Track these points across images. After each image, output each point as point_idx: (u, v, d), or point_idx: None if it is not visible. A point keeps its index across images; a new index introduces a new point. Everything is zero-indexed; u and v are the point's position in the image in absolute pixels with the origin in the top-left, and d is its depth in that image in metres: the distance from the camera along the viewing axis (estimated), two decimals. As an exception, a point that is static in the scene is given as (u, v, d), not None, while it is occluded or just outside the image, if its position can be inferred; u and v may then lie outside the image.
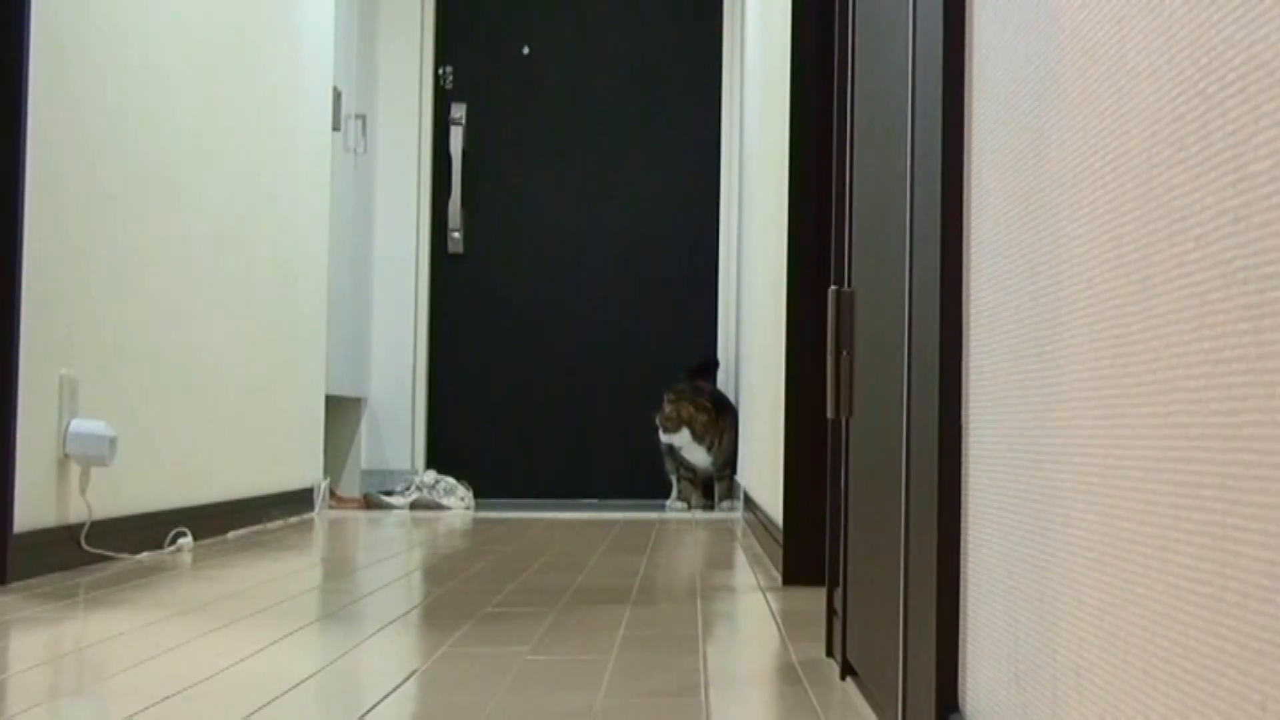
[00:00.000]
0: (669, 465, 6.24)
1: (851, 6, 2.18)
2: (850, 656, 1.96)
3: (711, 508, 6.17)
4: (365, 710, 1.76)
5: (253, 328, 4.63)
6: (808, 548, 3.14)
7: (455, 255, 6.76)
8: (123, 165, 3.61)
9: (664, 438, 6.11)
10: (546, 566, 3.52)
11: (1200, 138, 0.72)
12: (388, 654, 2.18)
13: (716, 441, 6.10)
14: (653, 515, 5.66)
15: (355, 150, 6.24)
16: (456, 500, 6.02)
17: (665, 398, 6.13)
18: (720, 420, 6.13)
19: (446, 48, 6.82)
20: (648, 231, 6.79)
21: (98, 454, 3.33)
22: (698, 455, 6.10)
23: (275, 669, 2.03)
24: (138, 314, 3.71)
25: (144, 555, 3.65)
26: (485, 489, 6.63)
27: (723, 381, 6.64)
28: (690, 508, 6.14)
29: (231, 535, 4.33)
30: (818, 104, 3.27)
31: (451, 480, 6.14)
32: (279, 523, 4.84)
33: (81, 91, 3.38)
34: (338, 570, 3.43)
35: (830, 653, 2.19)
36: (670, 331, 6.75)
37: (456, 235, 6.73)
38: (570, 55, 6.83)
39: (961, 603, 1.27)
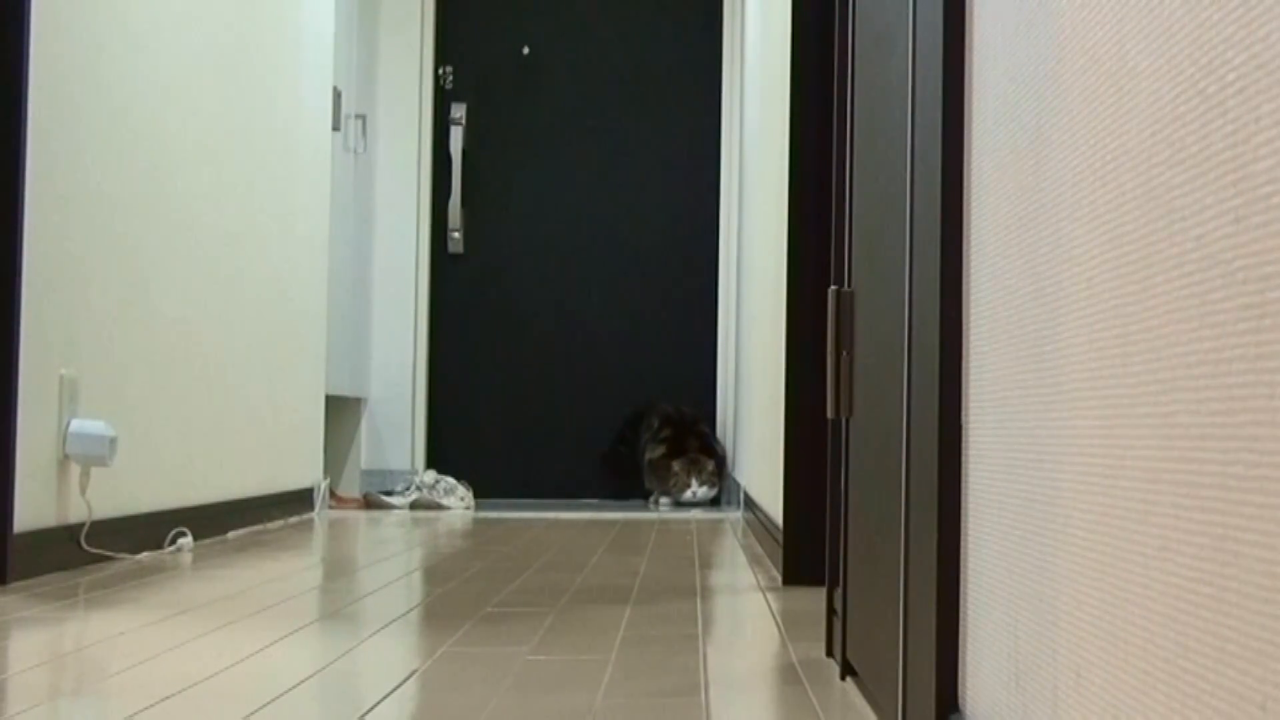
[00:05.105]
0: (650, 481, 6.34)
1: (852, 7, 2.18)
2: (850, 656, 1.96)
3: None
4: (365, 710, 1.76)
5: (253, 327, 4.63)
6: (808, 548, 3.14)
7: (455, 255, 6.76)
8: (122, 165, 3.61)
9: (678, 496, 6.21)
10: (546, 566, 3.52)
11: (1200, 138, 0.72)
12: (388, 654, 2.18)
13: (713, 472, 6.24)
14: (652, 515, 5.66)
15: (355, 150, 6.24)
16: (456, 500, 6.02)
17: (677, 463, 6.20)
18: (710, 449, 6.27)
19: (446, 48, 6.81)
20: (648, 231, 6.79)
21: (98, 454, 3.33)
22: (705, 490, 6.23)
23: (275, 669, 2.03)
24: (138, 314, 3.71)
25: (144, 555, 3.65)
26: (485, 489, 6.63)
27: (722, 382, 6.65)
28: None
29: (231, 535, 4.33)
30: (818, 104, 3.27)
31: (451, 480, 6.14)
32: (279, 523, 4.84)
33: (81, 91, 3.38)
34: (338, 570, 3.43)
35: (830, 653, 2.19)
36: (670, 331, 6.75)
37: (456, 235, 6.73)
38: (570, 55, 6.83)
39: (961, 603, 1.27)
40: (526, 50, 6.83)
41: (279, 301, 4.90)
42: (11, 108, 3.08)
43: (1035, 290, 1.05)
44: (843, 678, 2.01)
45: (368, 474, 6.52)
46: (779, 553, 3.27)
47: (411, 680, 1.96)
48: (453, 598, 2.87)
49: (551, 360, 6.75)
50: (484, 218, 6.79)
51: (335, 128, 5.76)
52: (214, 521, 4.23)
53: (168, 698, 1.81)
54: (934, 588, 1.29)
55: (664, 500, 6.27)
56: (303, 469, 5.23)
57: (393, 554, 3.84)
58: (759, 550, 4.06)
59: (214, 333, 4.28)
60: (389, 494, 6.06)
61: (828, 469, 2.34)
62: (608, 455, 6.65)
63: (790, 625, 2.54)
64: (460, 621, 2.52)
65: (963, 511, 1.28)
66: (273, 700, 1.81)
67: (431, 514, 5.65)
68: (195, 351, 4.13)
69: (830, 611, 2.21)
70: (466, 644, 2.27)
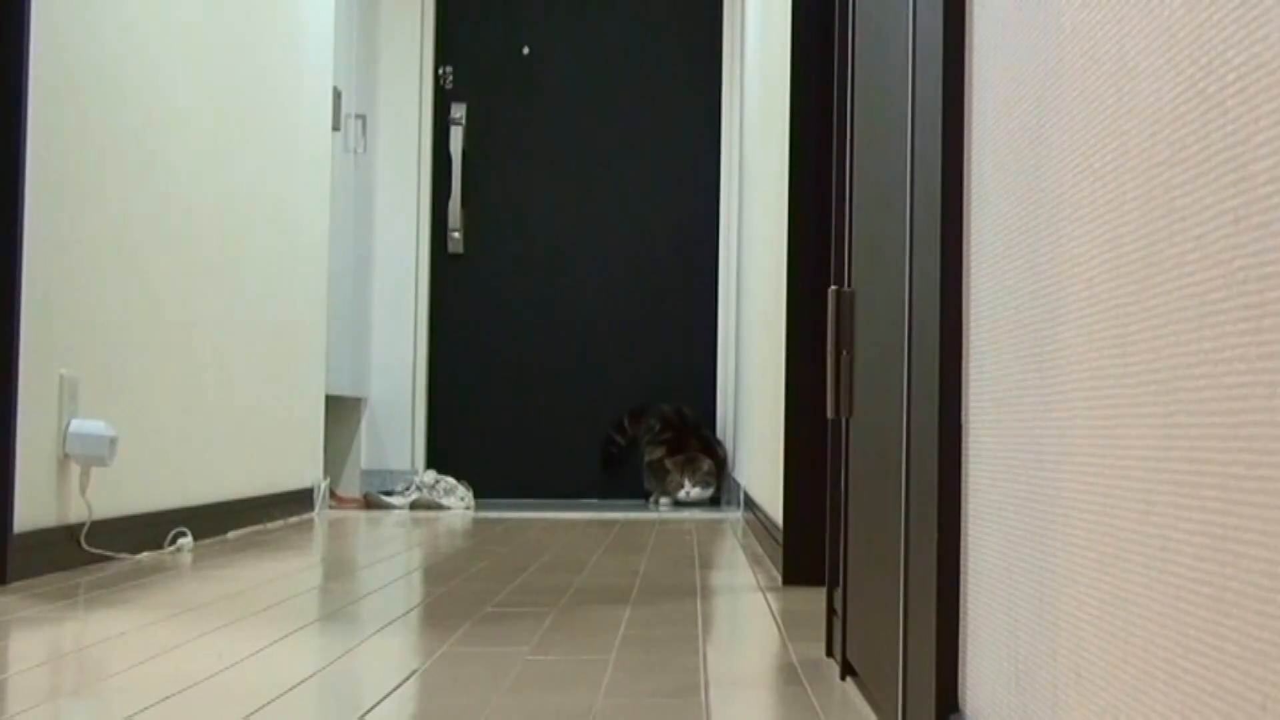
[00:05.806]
0: (651, 483, 6.36)
1: (851, 6, 2.18)
2: (850, 656, 1.96)
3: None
4: (365, 710, 1.76)
5: (253, 328, 4.63)
6: (808, 548, 3.14)
7: (455, 255, 6.76)
8: (122, 165, 3.61)
9: (676, 495, 6.25)
10: (546, 566, 3.52)
11: (1200, 138, 0.72)
12: (388, 654, 2.18)
13: (708, 471, 6.27)
14: (652, 515, 5.66)
15: (355, 150, 6.24)
16: (456, 500, 6.02)
17: (670, 461, 6.24)
18: (711, 450, 6.31)
19: (446, 48, 6.81)
20: (647, 231, 6.79)
21: (98, 454, 3.33)
22: (698, 490, 6.27)
23: (275, 669, 2.03)
24: (138, 314, 3.71)
25: (144, 555, 3.65)
26: (485, 489, 6.63)
27: (722, 382, 6.65)
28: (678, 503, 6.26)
29: (231, 535, 4.33)
30: (818, 104, 3.27)
31: (451, 480, 6.14)
32: (279, 523, 4.84)
33: (81, 91, 3.38)
34: (338, 570, 3.43)
35: (830, 653, 2.19)
36: (670, 331, 6.75)
37: (456, 235, 6.73)
38: (570, 55, 6.83)
39: (961, 603, 1.27)
40: (526, 50, 6.83)
41: (279, 302, 4.90)
42: (12, 108, 3.08)
43: (1035, 290, 1.05)
44: (843, 678, 2.01)
45: (368, 474, 6.52)
46: (779, 553, 3.27)
47: (411, 680, 1.96)
48: (453, 598, 2.87)
49: (551, 360, 6.75)
50: (484, 218, 6.79)
51: (335, 128, 5.76)
52: (214, 521, 4.23)
53: (168, 698, 1.81)
54: (934, 588, 1.29)
55: (664, 500, 6.28)
56: (303, 469, 5.23)
57: (393, 554, 3.84)
58: (759, 550, 4.06)
59: (214, 332, 4.28)
60: (389, 494, 6.06)
61: (828, 469, 2.34)
62: (603, 448, 6.67)
63: (790, 625, 2.54)
64: (460, 621, 2.52)
65: (963, 511, 1.28)
66: (273, 700, 1.81)
67: (431, 514, 5.65)
68: (195, 351, 4.13)
69: (830, 611, 2.21)
70: (466, 644, 2.27)
